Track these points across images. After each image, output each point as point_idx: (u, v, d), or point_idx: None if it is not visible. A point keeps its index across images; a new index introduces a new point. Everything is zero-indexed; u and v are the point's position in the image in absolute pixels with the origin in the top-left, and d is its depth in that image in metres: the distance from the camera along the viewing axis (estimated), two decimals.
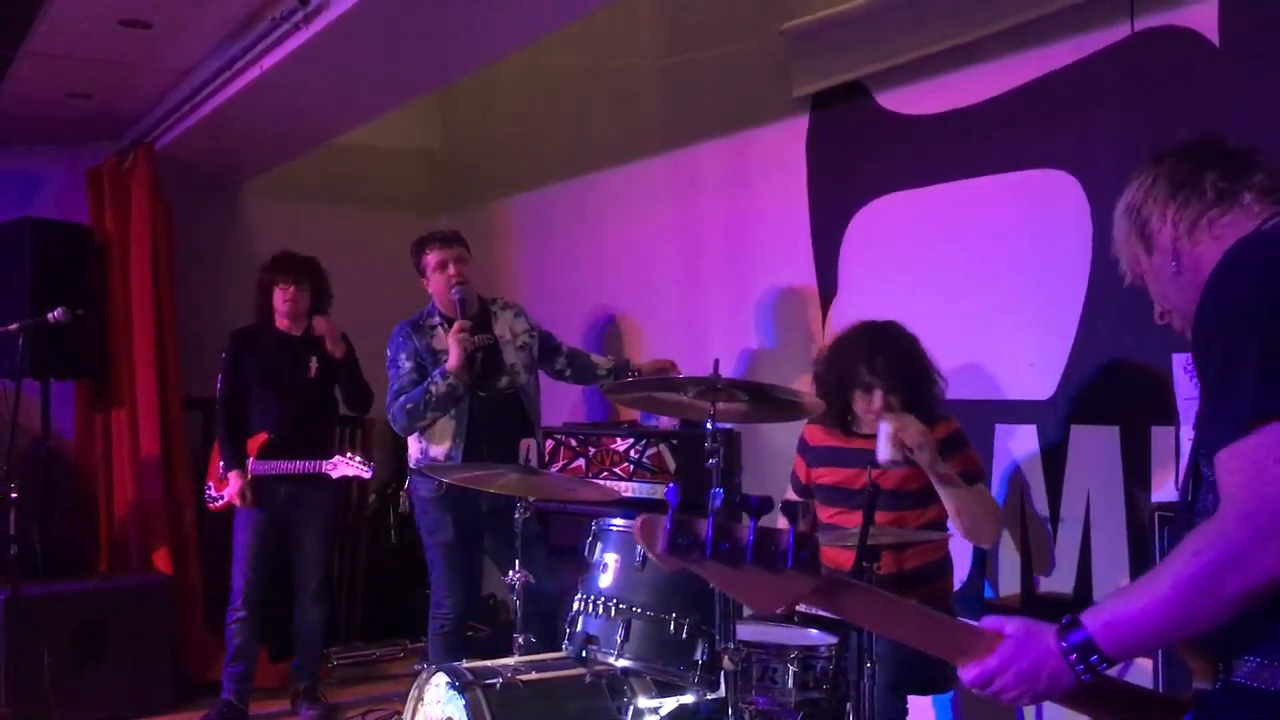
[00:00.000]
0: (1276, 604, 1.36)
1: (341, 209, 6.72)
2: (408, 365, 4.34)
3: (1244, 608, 1.36)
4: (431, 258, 4.39)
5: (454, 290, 4.29)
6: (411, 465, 4.45)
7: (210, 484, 5.03)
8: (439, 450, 4.30)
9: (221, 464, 4.91)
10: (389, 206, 6.92)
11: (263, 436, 4.87)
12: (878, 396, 3.25)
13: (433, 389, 4.21)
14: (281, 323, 5.00)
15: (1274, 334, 1.40)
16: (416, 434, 4.38)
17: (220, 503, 4.93)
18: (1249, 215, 1.63)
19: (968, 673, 1.51)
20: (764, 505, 1.46)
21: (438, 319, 4.40)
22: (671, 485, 1.43)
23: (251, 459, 4.83)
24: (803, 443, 3.57)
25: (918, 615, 1.54)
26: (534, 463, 3.73)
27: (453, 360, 4.18)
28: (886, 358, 3.26)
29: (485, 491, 4.01)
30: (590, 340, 5.70)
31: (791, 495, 3.66)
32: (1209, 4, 3.18)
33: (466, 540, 4.39)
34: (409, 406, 4.24)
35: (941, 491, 3.17)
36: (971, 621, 1.57)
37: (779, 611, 1.52)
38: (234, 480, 4.81)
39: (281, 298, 4.96)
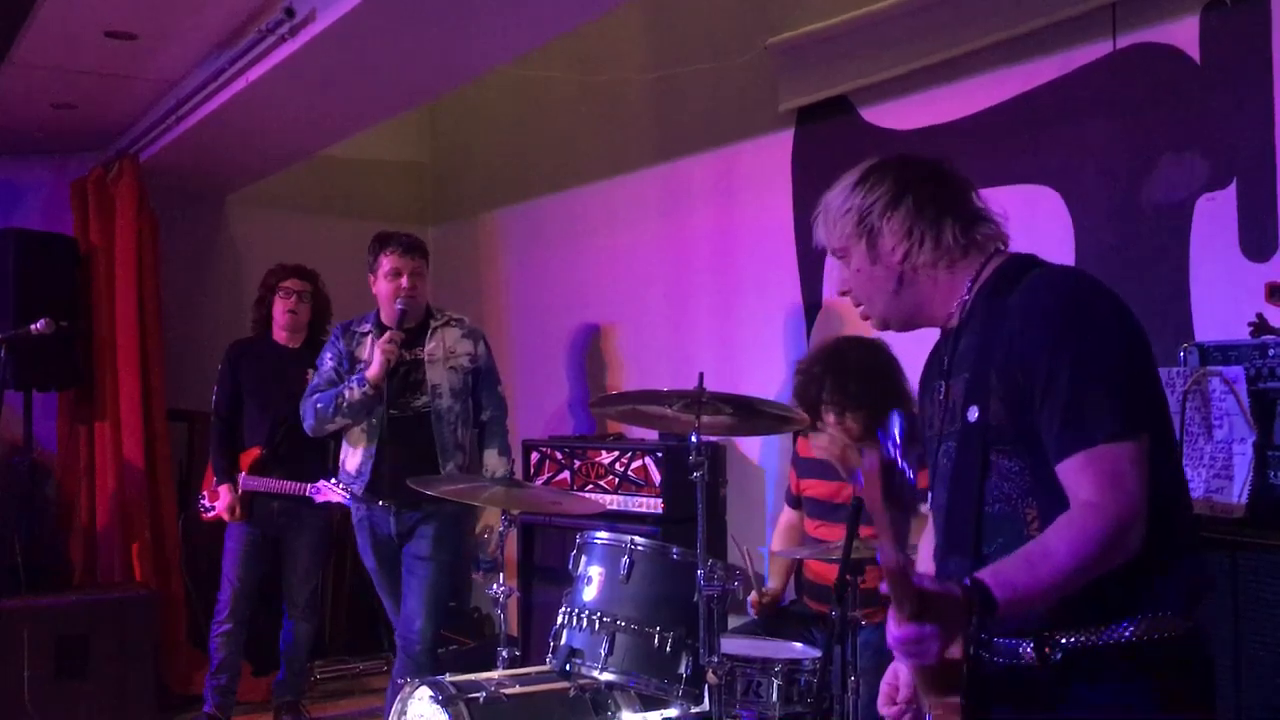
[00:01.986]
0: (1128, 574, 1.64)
1: (328, 221, 6.70)
2: (329, 365, 4.23)
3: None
4: (387, 262, 4.16)
5: (398, 302, 4.10)
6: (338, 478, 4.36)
7: (204, 494, 5.00)
8: (353, 463, 4.21)
9: (214, 476, 4.87)
10: (376, 219, 6.87)
11: (255, 451, 4.81)
12: (831, 418, 3.26)
13: (346, 394, 4.07)
14: (279, 335, 4.95)
15: (1134, 368, 1.70)
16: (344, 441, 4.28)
17: (213, 514, 4.90)
18: (973, 262, 1.88)
19: (903, 630, 1.57)
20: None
21: (369, 326, 4.25)
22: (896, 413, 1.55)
23: (243, 474, 4.79)
24: (794, 454, 3.61)
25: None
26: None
27: (373, 369, 4.01)
28: (843, 378, 3.26)
29: (401, 516, 4.12)
30: (576, 352, 5.71)
31: (786, 509, 3.69)
32: (1190, 21, 3.21)
33: (390, 567, 4.25)
34: (319, 407, 4.14)
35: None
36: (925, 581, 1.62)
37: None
38: (224, 495, 4.76)
39: (283, 308, 4.89)
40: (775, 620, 3.50)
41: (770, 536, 4.23)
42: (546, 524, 4.83)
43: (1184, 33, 3.22)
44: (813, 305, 4.42)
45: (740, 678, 2.92)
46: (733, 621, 3.48)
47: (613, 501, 4.62)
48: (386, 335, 4.03)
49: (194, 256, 6.35)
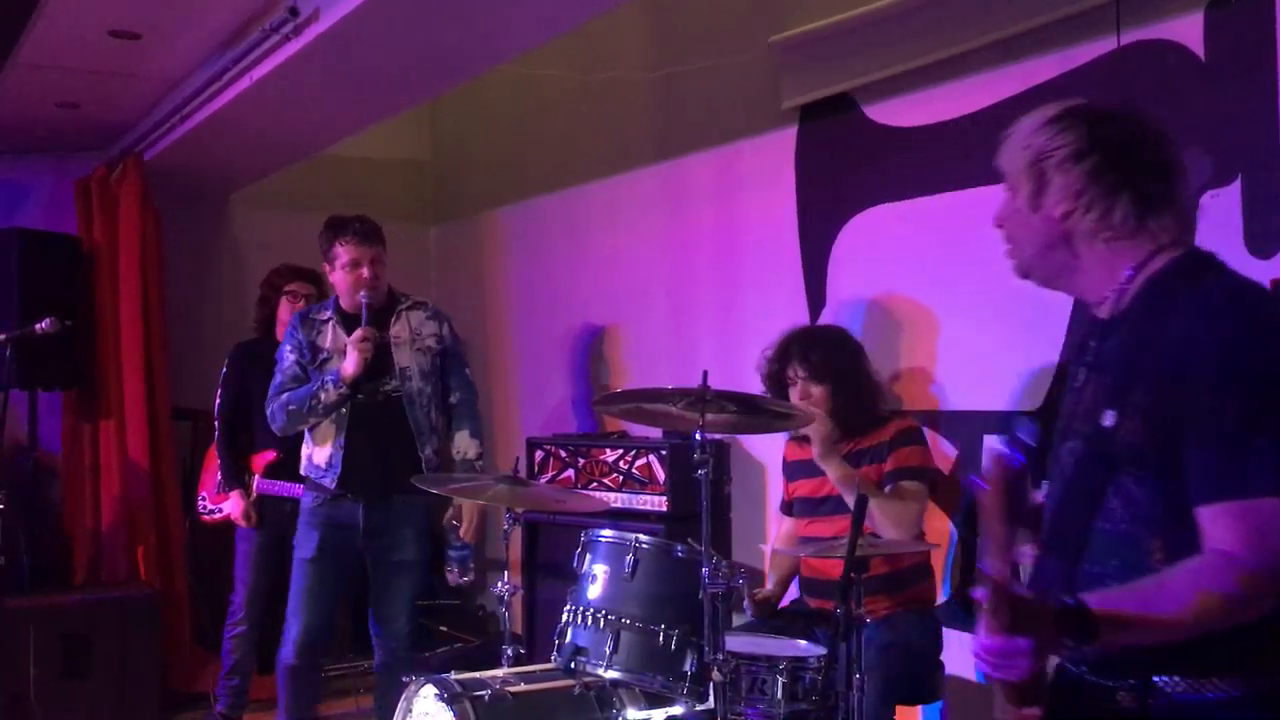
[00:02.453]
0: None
1: None
2: (290, 360, 4.05)
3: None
4: (344, 253, 3.97)
5: (362, 295, 3.93)
6: (300, 471, 4.18)
7: (204, 494, 4.99)
8: (322, 456, 4.01)
9: (220, 479, 4.85)
10: (378, 217, 6.78)
11: (270, 454, 4.76)
12: (796, 390, 3.47)
13: (322, 395, 3.93)
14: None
15: None
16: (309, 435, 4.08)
17: (217, 515, 4.89)
18: (1140, 247, 1.73)
19: (994, 641, 1.52)
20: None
21: (330, 313, 4.07)
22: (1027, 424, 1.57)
23: (257, 477, 4.78)
24: (784, 460, 3.64)
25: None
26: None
27: (350, 366, 3.86)
28: (807, 349, 3.51)
29: (371, 511, 3.97)
30: (579, 350, 5.70)
31: (784, 519, 3.70)
32: (1194, 17, 3.20)
33: (333, 561, 4.05)
34: (292, 408, 3.98)
35: (840, 489, 3.35)
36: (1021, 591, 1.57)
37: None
38: (235, 500, 4.73)
39: (290, 310, 4.73)
40: (775, 620, 3.51)
41: (772, 535, 4.24)
42: (551, 522, 4.82)
43: (1188, 29, 3.22)
44: (816, 304, 4.41)
45: (745, 675, 2.91)
46: (736, 620, 3.48)
47: (617, 499, 4.62)
48: (359, 334, 3.87)
49: (197, 255, 6.35)
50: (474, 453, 4.10)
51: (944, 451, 3.87)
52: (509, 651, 3.49)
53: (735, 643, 3.06)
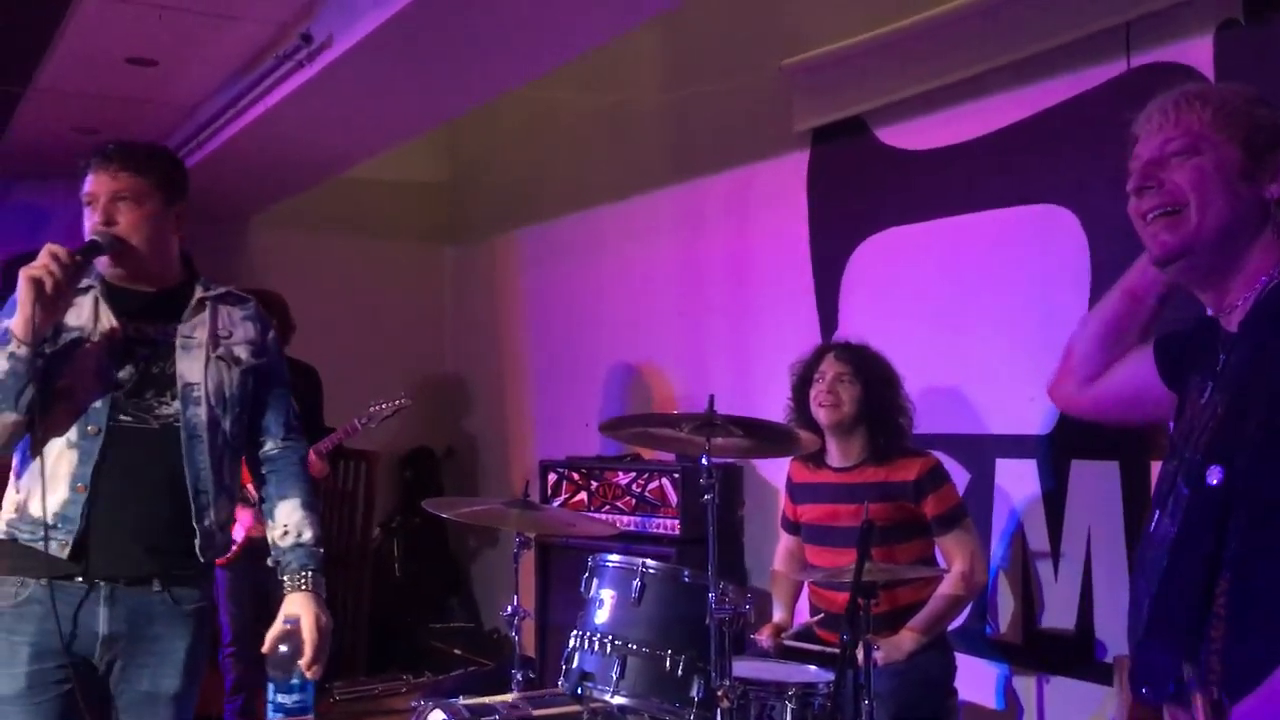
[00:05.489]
0: None
1: (349, 241, 6.76)
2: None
3: None
4: (87, 184, 2.51)
5: (95, 236, 2.45)
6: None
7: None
8: (47, 504, 2.38)
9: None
10: (397, 239, 6.97)
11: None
12: (828, 381, 3.36)
13: None
14: None
15: None
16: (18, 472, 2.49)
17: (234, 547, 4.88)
18: None
19: None
20: None
21: (92, 279, 2.51)
22: None
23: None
24: (788, 480, 3.60)
25: None
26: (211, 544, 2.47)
27: (19, 309, 2.31)
28: (848, 348, 3.47)
29: (115, 605, 2.40)
30: (594, 372, 5.70)
31: (784, 535, 3.67)
32: (1204, 40, 3.19)
33: (55, 704, 2.37)
34: None
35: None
36: None
37: None
38: (244, 517, 4.73)
39: None
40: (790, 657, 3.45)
41: None
42: (565, 545, 4.82)
43: (1198, 52, 3.21)
44: (829, 326, 4.41)
45: (754, 701, 2.90)
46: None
47: (630, 523, 4.62)
48: (44, 252, 2.33)
49: (217, 277, 6.35)
50: (310, 535, 2.57)
51: (956, 476, 3.85)
52: (518, 675, 3.48)
53: (744, 668, 3.04)
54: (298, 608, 2.46)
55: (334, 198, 6.49)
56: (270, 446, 2.65)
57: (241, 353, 2.60)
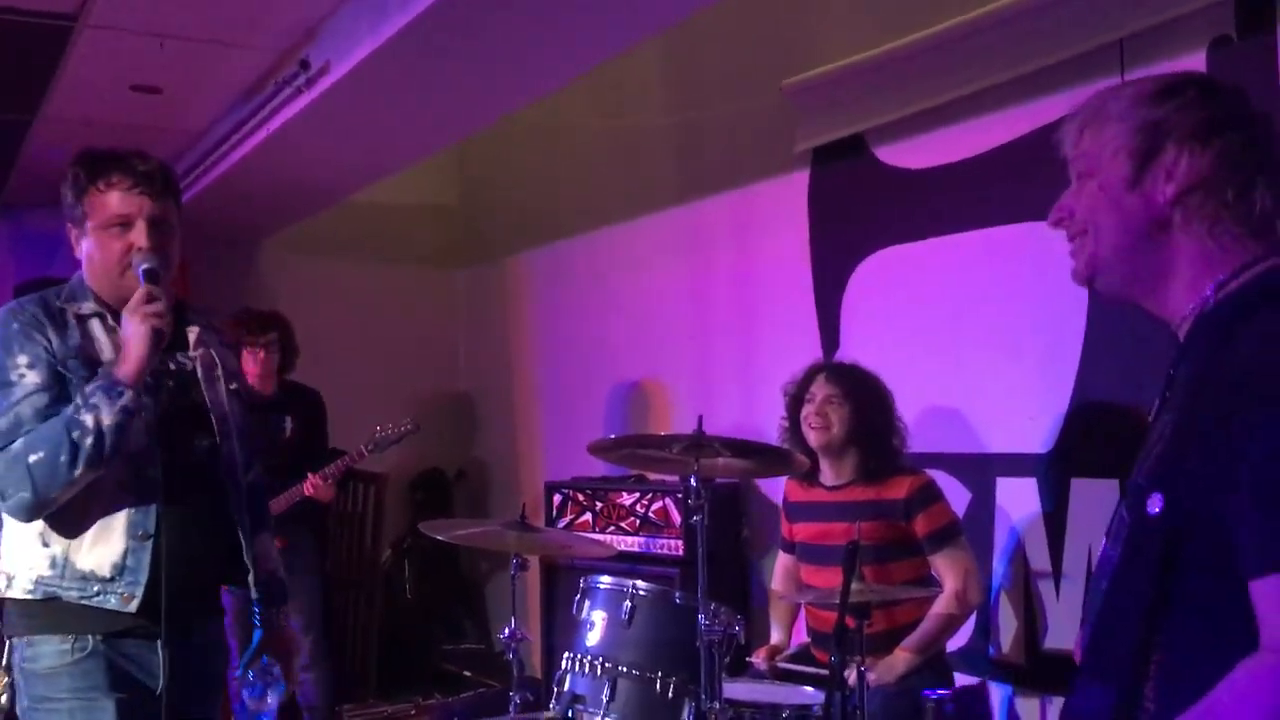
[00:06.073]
0: None
1: (359, 264, 6.80)
2: (34, 380, 2.24)
3: None
4: (115, 202, 2.33)
5: (145, 261, 2.29)
6: (16, 594, 2.30)
7: None
8: (101, 558, 2.25)
9: None
10: (406, 262, 7.00)
11: None
12: (818, 403, 3.35)
13: (89, 420, 2.15)
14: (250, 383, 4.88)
15: None
16: (36, 524, 2.26)
17: None
18: (1244, 252, 1.42)
19: None
20: None
21: (93, 304, 2.38)
22: None
23: None
24: (784, 499, 3.59)
25: None
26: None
27: (133, 357, 2.20)
28: (840, 369, 3.49)
29: (175, 651, 2.31)
30: (602, 393, 5.70)
31: (781, 555, 3.65)
32: (1197, 56, 3.18)
33: None
34: (35, 461, 2.16)
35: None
36: None
37: None
38: None
39: (251, 360, 4.72)
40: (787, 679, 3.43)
41: None
42: (570, 566, 4.81)
43: (1191, 67, 3.19)
44: (830, 345, 4.39)
45: None
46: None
47: (634, 543, 4.60)
48: (143, 292, 2.23)
49: (228, 302, 6.43)
50: (281, 566, 2.65)
51: (956, 495, 3.82)
52: (517, 698, 3.47)
53: (738, 690, 3.03)
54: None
55: (346, 220, 6.53)
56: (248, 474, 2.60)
57: (235, 385, 2.57)
